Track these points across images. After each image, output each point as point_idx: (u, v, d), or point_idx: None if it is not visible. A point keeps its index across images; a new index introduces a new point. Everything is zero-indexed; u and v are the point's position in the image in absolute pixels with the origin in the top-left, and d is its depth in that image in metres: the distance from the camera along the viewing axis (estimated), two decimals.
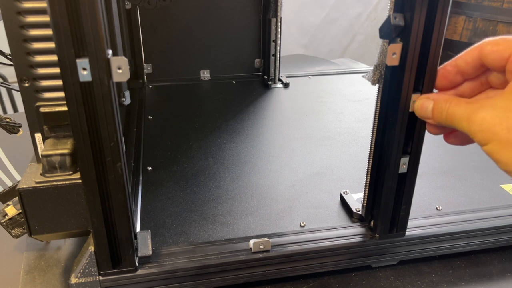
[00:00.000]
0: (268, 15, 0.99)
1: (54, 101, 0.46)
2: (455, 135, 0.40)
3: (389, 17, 0.41)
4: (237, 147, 0.73)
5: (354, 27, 2.50)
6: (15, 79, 0.44)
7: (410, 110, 0.43)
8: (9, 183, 0.51)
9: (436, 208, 0.58)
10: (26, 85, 0.45)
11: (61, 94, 0.44)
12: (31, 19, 0.43)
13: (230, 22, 1.03)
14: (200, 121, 0.82)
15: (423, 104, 0.39)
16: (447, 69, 0.39)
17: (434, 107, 0.37)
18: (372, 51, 2.53)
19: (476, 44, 0.36)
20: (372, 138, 0.49)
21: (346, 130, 0.80)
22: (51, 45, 0.37)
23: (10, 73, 1.42)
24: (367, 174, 0.51)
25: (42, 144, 0.47)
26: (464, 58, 0.37)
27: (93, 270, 0.45)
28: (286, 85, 1.02)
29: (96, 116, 0.38)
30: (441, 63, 0.41)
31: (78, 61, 0.35)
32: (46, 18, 0.42)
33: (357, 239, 0.51)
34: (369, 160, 0.50)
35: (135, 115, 0.83)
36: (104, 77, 0.36)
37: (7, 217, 0.49)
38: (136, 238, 0.48)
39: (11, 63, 0.45)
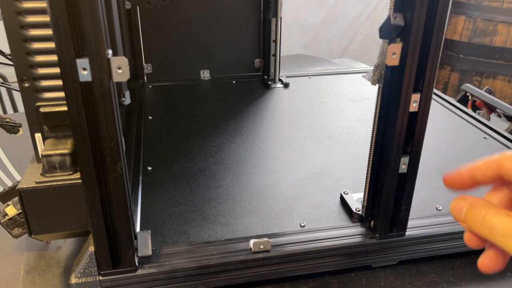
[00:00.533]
0: (268, 15, 0.99)
1: (54, 101, 0.46)
2: (492, 255, 0.33)
3: (389, 17, 0.41)
4: (237, 147, 0.73)
5: (354, 27, 2.49)
6: (15, 79, 0.44)
7: (410, 110, 0.43)
8: (9, 183, 0.51)
9: (436, 208, 0.58)
10: (26, 85, 0.45)
11: (61, 94, 0.44)
12: (31, 19, 0.43)
13: (230, 22, 1.03)
14: (200, 121, 0.82)
15: (457, 203, 0.34)
16: (463, 178, 0.34)
17: (468, 210, 0.32)
18: (372, 51, 2.53)
19: (494, 158, 0.32)
20: (372, 138, 0.49)
21: (346, 130, 0.80)
22: (51, 45, 0.37)
23: (10, 73, 1.42)
24: (367, 174, 0.51)
25: (42, 144, 0.47)
26: (483, 171, 0.33)
27: (93, 270, 0.45)
28: (286, 85, 1.02)
29: (96, 116, 0.38)
30: (441, 63, 0.40)
31: (78, 61, 0.35)
32: (46, 18, 0.41)
33: (357, 239, 0.51)
34: (369, 160, 0.50)
35: (135, 115, 0.83)
36: (104, 77, 0.36)
37: (7, 217, 0.49)
38: (136, 238, 0.48)
39: (11, 63, 0.45)
